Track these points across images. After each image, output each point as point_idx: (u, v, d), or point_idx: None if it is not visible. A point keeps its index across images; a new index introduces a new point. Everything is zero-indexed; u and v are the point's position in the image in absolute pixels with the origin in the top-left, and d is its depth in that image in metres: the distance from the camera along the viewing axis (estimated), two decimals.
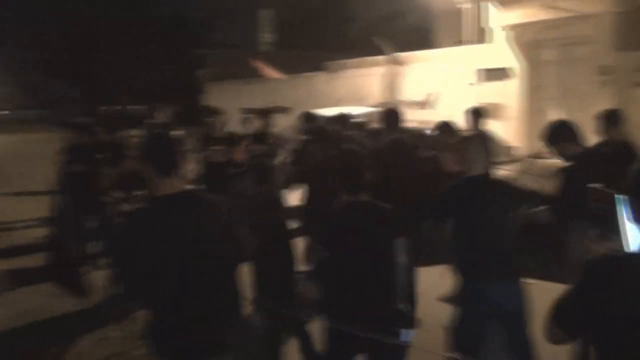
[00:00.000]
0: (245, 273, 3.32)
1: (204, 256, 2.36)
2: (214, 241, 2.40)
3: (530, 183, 5.54)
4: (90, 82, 36.65)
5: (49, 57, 36.06)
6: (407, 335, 2.85)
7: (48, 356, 4.37)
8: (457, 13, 15.49)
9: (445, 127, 5.46)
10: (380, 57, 15.64)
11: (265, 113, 7.25)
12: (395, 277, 2.81)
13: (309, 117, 6.43)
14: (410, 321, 2.89)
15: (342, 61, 17.68)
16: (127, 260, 2.34)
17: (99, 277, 5.56)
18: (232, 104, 14.22)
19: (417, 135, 6.90)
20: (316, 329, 3.34)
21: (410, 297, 2.89)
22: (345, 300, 2.81)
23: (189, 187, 2.53)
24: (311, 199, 5.17)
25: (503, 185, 3.41)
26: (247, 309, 4.75)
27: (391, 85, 14.98)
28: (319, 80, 17.87)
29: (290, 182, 5.07)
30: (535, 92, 11.98)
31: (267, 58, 19.90)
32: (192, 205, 2.41)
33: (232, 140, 5.30)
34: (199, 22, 37.33)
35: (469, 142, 3.62)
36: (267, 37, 38.67)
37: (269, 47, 36.22)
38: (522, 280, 3.27)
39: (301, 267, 3.52)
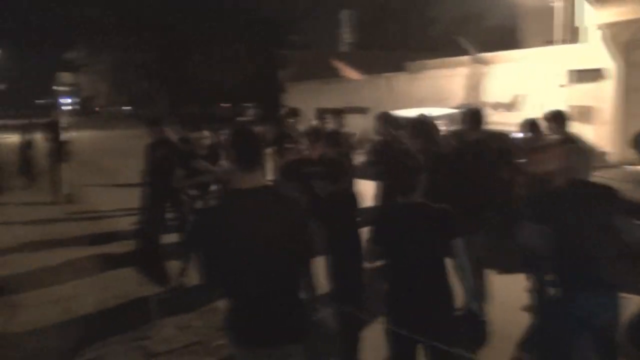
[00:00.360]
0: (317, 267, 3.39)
1: (279, 249, 2.45)
2: (289, 235, 2.47)
3: (623, 191, 5.20)
4: (177, 82, 38.41)
5: (142, 58, 38.13)
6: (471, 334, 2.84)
7: (133, 340, 4.62)
8: (547, 11, 14.81)
9: (532, 127, 5.21)
10: (463, 58, 15.26)
11: (338, 113, 7.28)
12: (459, 276, 2.84)
13: (387, 118, 6.38)
14: (477, 320, 2.86)
15: (424, 61, 17.41)
16: (209, 249, 2.46)
17: (177, 267, 5.91)
18: (311, 103, 14.42)
19: (500, 137, 6.66)
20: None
21: (475, 296, 2.92)
22: (406, 299, 2.84)
23: (267, 182, 2.65)
24: (382, 199, 5.19)
25: (606, 193, 3.16)
26: (318, 301, 4.88)
27: (475, 86, 14.57)
28: (400, 81, 17.70)
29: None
30: (631, 95, 11.24)
31: (347, 58, 19.95)
32: (271, 200, 2.51)
33: (311, 138, 5.35)
34: (281, 23, 38.08)
35: (565, 146, 3.43)
36: (347, 37, 38.80)
37: (349, 47, 36.34)
38: (619, 293, 3.07)
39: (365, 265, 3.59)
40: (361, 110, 17.38)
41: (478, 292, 4.38)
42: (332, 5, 36.19)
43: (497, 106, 13.49)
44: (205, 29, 36.16)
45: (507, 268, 5.51)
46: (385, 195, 5.26)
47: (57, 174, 10.47)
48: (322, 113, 8.05)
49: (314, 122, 8.04)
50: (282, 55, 26.93)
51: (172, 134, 6.83)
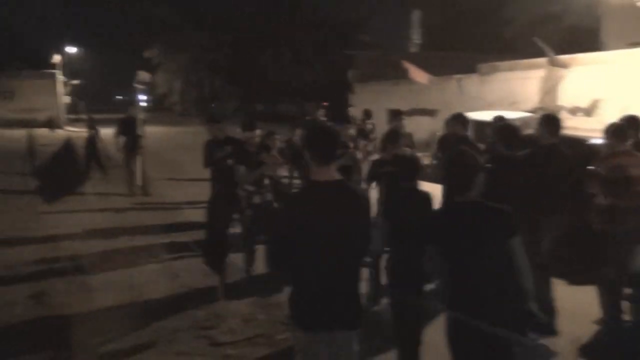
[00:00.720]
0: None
1: (346, 239, 2.63)
2: (355, 227, 2.67)
3: None
4: (247, 81, 39.28)
5: (214, 57, 39.27)
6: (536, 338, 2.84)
7: (200, 329, 4.76)
8: (632, 11, 13.98)
9: (615, 133, 4.93)
10: (539, 60, 14.66)
11: (398, 114, 7.30)
12: (519, 276, 2.83)
13: (459, 119, 6.25)
14: (537, 323, 2.85)
15: (496, 63, 16.87)
16: (283, 233, 2.66)
17: (242, 260, 6.03)
18: (380, 104, 14.33)
19: (577, 143, 6.35)
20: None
21: (533, 298, 2.87)
22: (469, 298, 2.86)
23: (340, 177, 2.74)
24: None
25: None
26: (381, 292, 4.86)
27: (551, 89, 13.98)
28: (470, 83, 17.26)
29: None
30: None
31: (417, 59, 19.67)
32: (342, 193, 2.68)
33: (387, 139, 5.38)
34: (350, 24, 38.10)
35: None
36: (417, 38, 38.28)
37: (418, 48, 35.82)
38: None
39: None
40: (429, 113, 17.10)
41: (542, 301, 4.29)
42: (402, 6, 35.85)
43: (575, 111, 12.88)
44: (275, 29, 36.75)
45: (575, 277, 5.36)
46: (445, 195, 5.16)
47: (132, 167, 10.93)
48: (393, 114, 8.08)
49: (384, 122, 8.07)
50: (351, 55, 26.91)
51: (231, 131, 7.06)
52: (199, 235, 7.50)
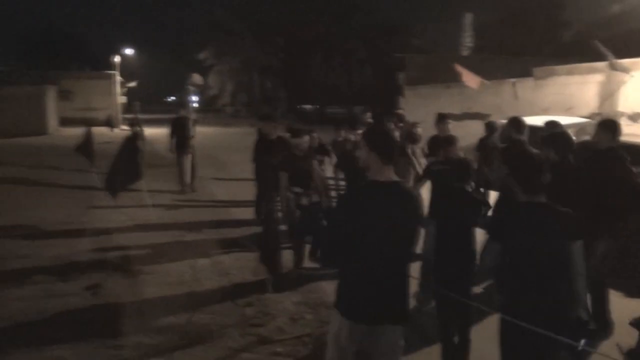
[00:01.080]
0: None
1: (398, 237, 2.79)
2: (408, 226, 2.82)
3: None
4: (297, 83, 39.58)
5: (265, 60, 39.77)
6: (584, 344, 2.88)
7: (250, 326, 4.82)
8: None
9: None
10: (598, 64, 14.14)
11: (442, 118, 7.30)
12: (573, 282, 2.85)
13: (515, 123, 6.11)
14: (587, 330, 2.92)
15: (552, 67, 16.37)
16: (338, 226, 2.81)
17: (288, 259, 6.09)
18: (430, 108, 14.13)
19: (637, 150, 6.09)
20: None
21: (585, 305, 2.91)
22: (524, 300, 2.88)
23: (397, 178, 2.88)
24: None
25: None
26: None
27: (610, 94, 13.45)
28: (525, 87, 16.81)
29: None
30: None
31: (469, 62, 19.32)
32: (399, 193, 2.84)
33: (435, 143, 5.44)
34: (402, 26, 37.81)
35: None
36: (469, 41, 37.65)
37: (471, 52, 35.22)
38: None
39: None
40: (482, 117, 16.76)
41: (597, 310, 4.48)
42: (454, 9, 35.31)
43: (636, 117, 12.36)
44: (326, 32, 36.90)
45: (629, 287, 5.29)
46: (504, 196, 5.08)
47: (182, 165, 11.26)
48: (439, 118, 8.04)
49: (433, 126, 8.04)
50: (402, 58, 26.67)
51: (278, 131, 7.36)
52: (247, 232, 7.78)
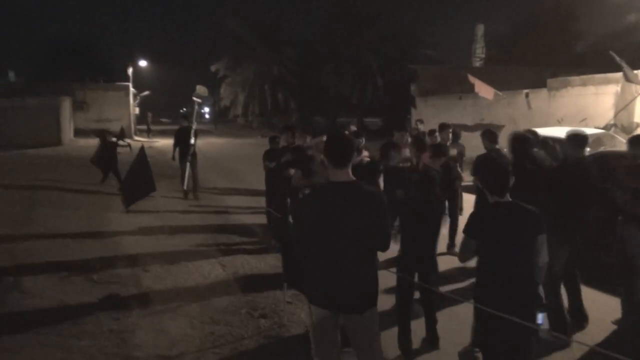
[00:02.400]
0: None
1: (357, 231, 3.04)
2: (367, 221, 3.05)
3: None
4: (309, 94, 39.67)
5: (277, 71, 39.94)
6: (542, 317, 3.18)
7: (265, 337, 4.81)
8: None
9: None
10: (613, 75, 14.04)
11: (444, 128, 8.04)
12: (536, 269, 3.23)
13: (490, 135, 6.70)
14: (542, 304, 3.23)
15: (567, 78, 16.28)
16: (301, 223, 3.18)
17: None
18: (443, 119, 14.10)
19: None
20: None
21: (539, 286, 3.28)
22: (497, 290, 3.21)
23: (353, 178, 3.15)
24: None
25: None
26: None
27: (626, 105, 13.32)
28: (539, 98, 16.73)
29: None
30: None
31: (482, 73, 19.29)
32: (355, 192, 3.10)
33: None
34: (414, 37, 37.83)
35: None
36: (481, 52, 37.59)
37: (484, 63, 35.16)
38: None
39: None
40: (494, 128, 16.68)
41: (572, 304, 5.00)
42: (467, 20, 35.32)
43: None
44: (338, 43, 37.00)
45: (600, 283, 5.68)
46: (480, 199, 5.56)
47: (184, 172, 11.62)
48: (441, 127, 8.41)
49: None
50: (414, 69, 26.67)
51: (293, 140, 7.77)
52: (252, 235, 8.08)
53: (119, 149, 12.99)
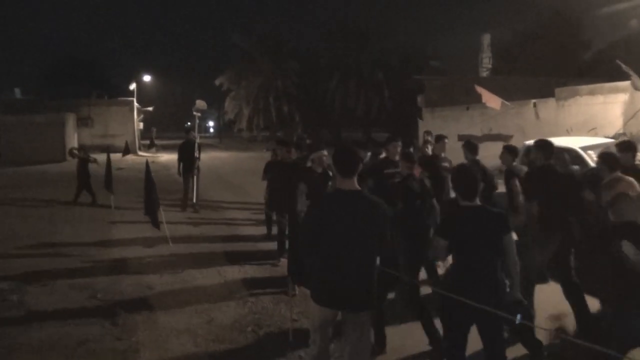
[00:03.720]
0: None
1: (360, 236, 3.29)
2: (370, 226, 3.32)
3: None
4: (313, 107, 39.68)
5: (282, 84, 40.02)
6: (520, 319, 3.38)
7: (271, 358, 4.63)
8: None
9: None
10: (621, 83, 13.88)
11: (440, 139, 8.06)
12: (509, 267, 3.58)
13: (470, 146, 6.82)
14: (523, 308, 3.58)
15: (575, 87, 16.12)
16: (309, 228, 3.42)
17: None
18: (450, 130, 13.97)
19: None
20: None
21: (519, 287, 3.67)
22: (467, 280, 3.51)
23: (359, 187, 3.43)
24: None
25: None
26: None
27: (635, 114, 13.13)
28: (547, 108, 16.56)
29: None
30: None
31: (489, 84, 19.15)
32: (359, 200, 3.39)
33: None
34: (420, 49, 37.85)
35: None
36: (487, 62, 37.50)
37: (490, 73, 35.04)
38: None
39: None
40: (504, 138, 16.50)
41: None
42: (473, 30, 35.29)
43: None
44: (343, 56, 37.05)
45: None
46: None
47: (187, 186, 11.70)
48: (437, 138, 8.38)
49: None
50: (420, 81, 26.55)
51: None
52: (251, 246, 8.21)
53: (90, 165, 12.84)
